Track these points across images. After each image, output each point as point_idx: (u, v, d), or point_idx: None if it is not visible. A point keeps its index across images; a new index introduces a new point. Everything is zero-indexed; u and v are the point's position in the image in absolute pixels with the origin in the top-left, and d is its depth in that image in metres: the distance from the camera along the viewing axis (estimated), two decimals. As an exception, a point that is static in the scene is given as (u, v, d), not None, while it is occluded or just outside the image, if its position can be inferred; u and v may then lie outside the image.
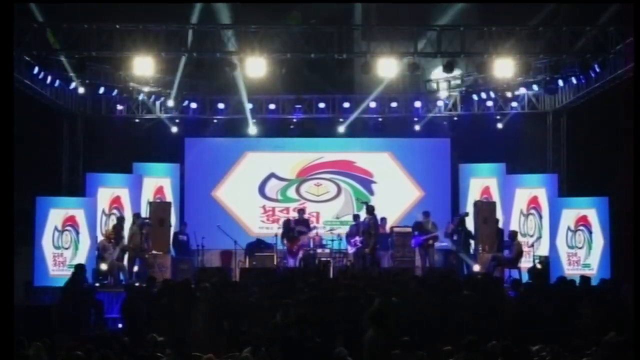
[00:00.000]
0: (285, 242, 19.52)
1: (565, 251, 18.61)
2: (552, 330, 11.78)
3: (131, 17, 17.05)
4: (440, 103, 21.62)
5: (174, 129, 21.86)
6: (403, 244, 19.42)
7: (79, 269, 15.37)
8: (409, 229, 19.58)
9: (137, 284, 16.36)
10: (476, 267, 18.31)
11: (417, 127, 21.98)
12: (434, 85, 21.65)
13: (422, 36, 17.13)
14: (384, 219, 20.12)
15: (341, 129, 22.05)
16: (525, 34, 17.02)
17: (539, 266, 18.64)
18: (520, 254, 18.53)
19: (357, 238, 19.18)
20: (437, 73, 20.86)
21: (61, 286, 15.33)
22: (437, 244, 20.03)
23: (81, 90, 19.48)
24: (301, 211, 20.47)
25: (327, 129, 22.22)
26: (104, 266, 17.76)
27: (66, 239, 18.38)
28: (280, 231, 19.91)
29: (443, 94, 21.46)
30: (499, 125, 21.42)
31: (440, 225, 19.62)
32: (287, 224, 19.87)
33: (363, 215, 19.44)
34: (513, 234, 18.98)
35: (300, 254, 19.32)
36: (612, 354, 8.75)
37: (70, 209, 18.65)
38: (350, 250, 19.45)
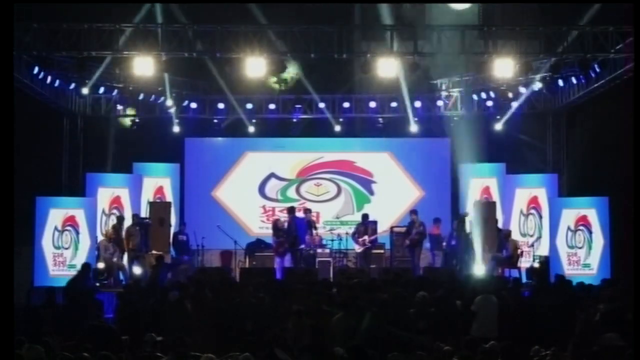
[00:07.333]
0: (274, 241, 19.21)
1: (565, 251, 18.61)
2: (552, 330, 11.78)
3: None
4: (440, 103, 21.63)
5: (174, 129, 21.85)
6: (403, 244, 19.46)
7: (85, 268, 15.37)
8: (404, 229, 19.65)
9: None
10: (481, 269, 18.29)
11: (416, 127, 21.97)
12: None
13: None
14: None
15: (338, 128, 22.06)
16: (525, 34, 17.01)
17: (536, 265, 18.66)
18: (516, 251, 18.48)
19: (366, 237, 19.10)
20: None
21: (52, 287, 15.29)
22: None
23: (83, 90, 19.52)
24: (307, 210, 20.19)
25: (327, 129, 22.22)
26: (101, 265, 17.81)
27: (66, 239, 18.37)
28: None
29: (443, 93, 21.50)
30: (499, 126, 21.42)
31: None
32: (275, 223, 19.53)
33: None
34: (507, 233, 18.98)
35: (289, 255, 18.99)
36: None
37: (70, 209, 18.64)
38: (358, 249, 19.38)
